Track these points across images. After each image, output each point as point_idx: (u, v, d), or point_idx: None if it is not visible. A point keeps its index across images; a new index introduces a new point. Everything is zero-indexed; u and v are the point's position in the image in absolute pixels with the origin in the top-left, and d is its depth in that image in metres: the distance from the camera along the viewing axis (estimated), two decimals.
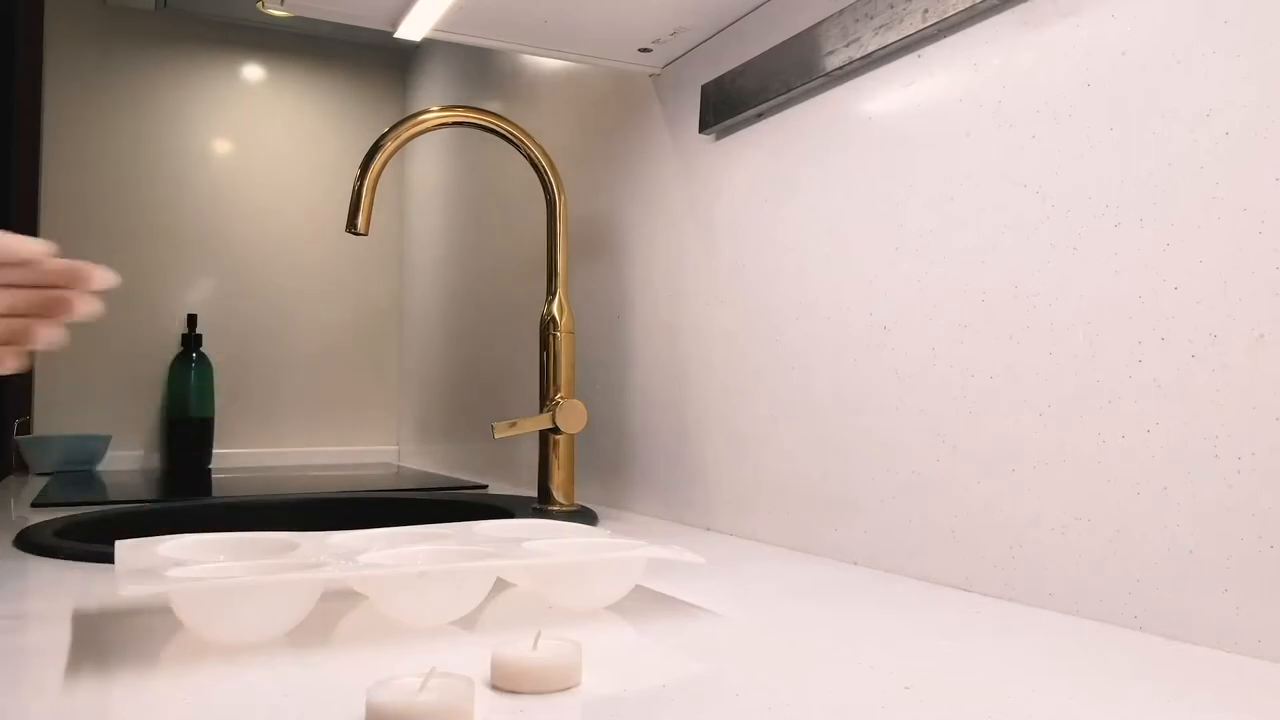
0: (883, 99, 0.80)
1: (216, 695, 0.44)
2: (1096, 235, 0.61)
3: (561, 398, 1.10)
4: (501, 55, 1.67)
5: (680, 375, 1.07)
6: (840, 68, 0.82)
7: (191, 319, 1.98)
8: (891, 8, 0.76)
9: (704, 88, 1.01)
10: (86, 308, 0.56)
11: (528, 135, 1.12)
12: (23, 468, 1.83)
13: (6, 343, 0.56)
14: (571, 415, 1.09)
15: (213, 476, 1.71)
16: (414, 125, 1.07)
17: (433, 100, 2.05)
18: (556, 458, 1.10)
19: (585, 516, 1.06)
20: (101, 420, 1.93)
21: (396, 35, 1.02)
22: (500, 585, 0.70)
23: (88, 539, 0.98)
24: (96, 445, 1.82)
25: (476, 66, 1.81)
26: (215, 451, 2.00)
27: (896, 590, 0.70)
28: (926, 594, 0.69)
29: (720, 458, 0.99)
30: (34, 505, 1.21)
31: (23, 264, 0.55)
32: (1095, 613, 0.60)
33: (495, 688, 0.45)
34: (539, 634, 0.47)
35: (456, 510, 1.25)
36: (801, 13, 0.88)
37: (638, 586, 0.64)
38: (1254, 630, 0.52)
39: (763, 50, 0.92)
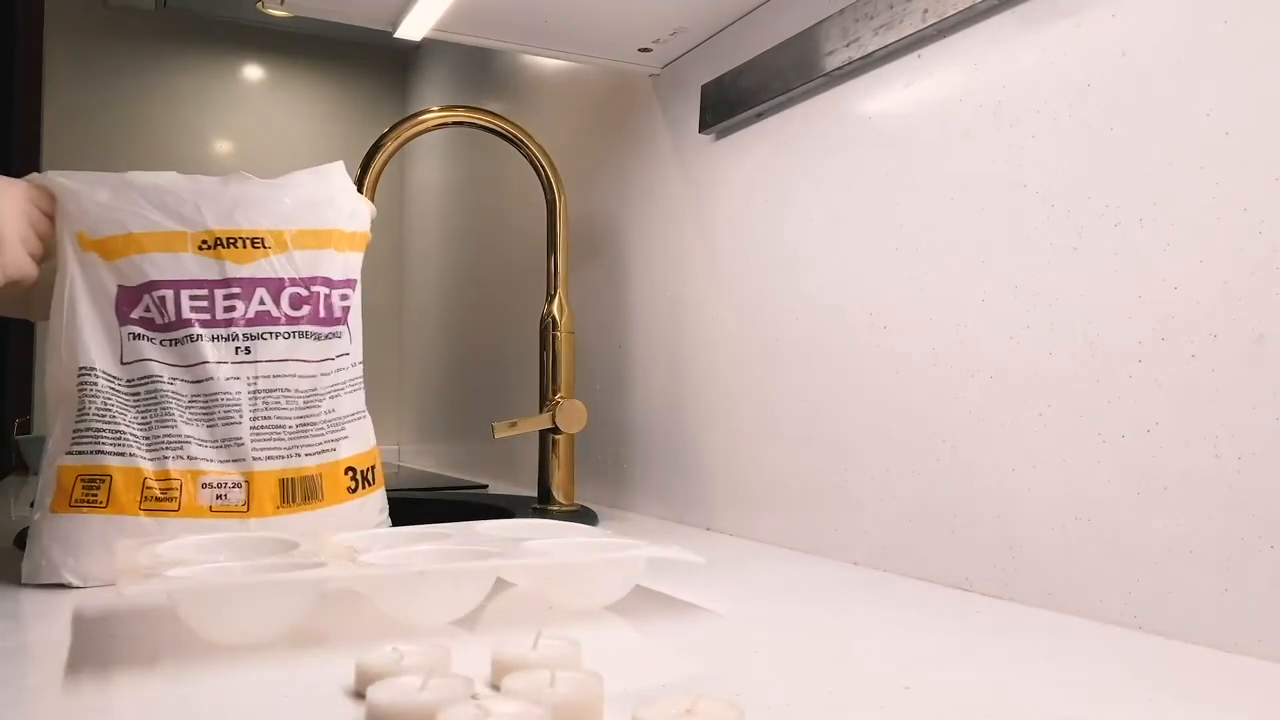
0: (883, 99, 0.80)
1: (216, 695, 0.44)
2: (1096, 235, 0.61)
3: (561, 398, 1.10)
4: (501, 55, 1.67)
5: (680, 375, 1.07)
6: (840, 68, 0.82)
7: None
8: (891, 8, 0.76)
9: (704, 88, 1.01)
10: None
11: (528, 135, 1.12)
12: (23, 468, 1.83)
13: None
14: (571, 415, 1.09)
15: None
16: (414, 125, 1.07)
17: (433, 100, 2.05)
18: (556, 458, 1.10)
19: (585, 516, 1.06)
20: None
21: (396, 35, 1.02)
22: (500, 585, 0.69)
23: None
24: None
25: (476, 66, 1.81)
26: None
27: (896, 590, 0.70)
28: (926, 594, 0.69)
29: (720, 457, 0.99)
30: (34, 505, 1.20)
31: None
32: (1095, 613, 0.60)
33: (495, 687, 0.45)
34: (539, 634, 0.47)
35: (456, 510, 1.25)
36: (801, 13, 0.88)
37: (638, 586, 0.64)
38: (1254, 630, 0.52)
39: (762, 50, 0.92)
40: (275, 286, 0.74)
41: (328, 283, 0.77)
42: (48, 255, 0.73)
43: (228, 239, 0.73)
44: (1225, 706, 0.44)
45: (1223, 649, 0.53)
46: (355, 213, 0.80)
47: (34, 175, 0.73)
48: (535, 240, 1.47)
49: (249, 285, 0.73)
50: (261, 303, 0.73)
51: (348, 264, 0.79)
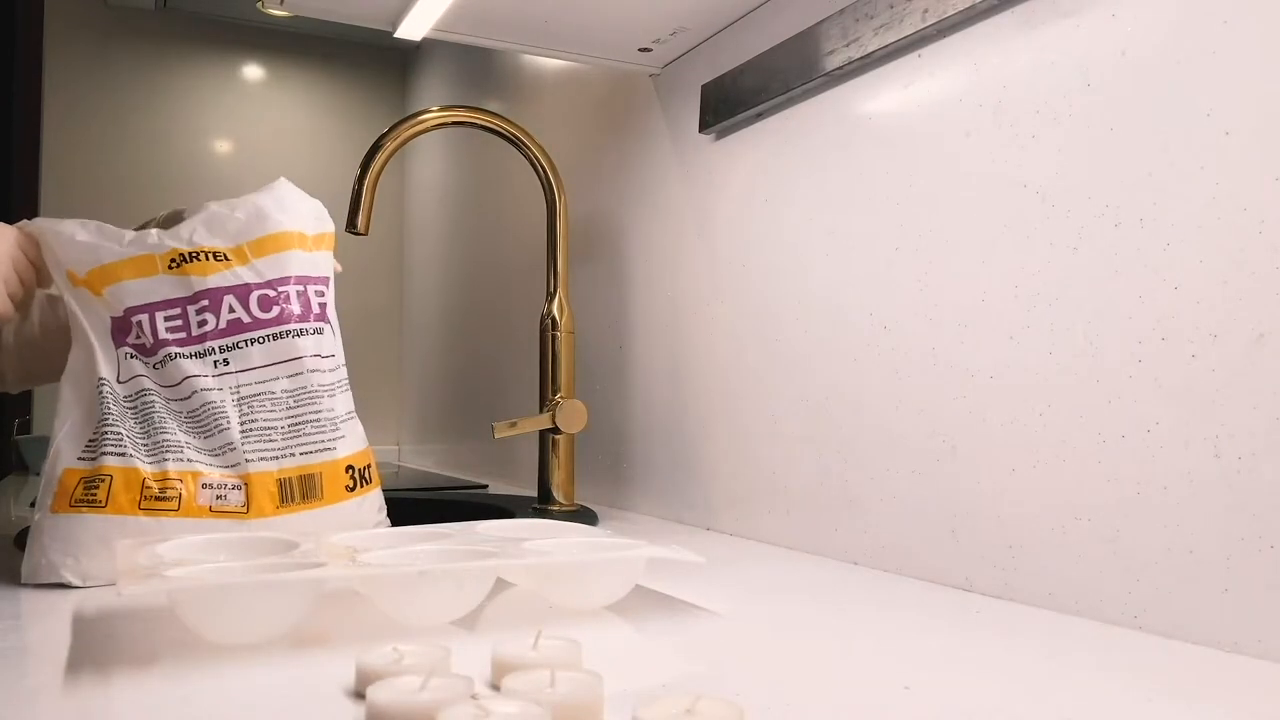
0: (883, 99, 0.80)
1: (216, 695, 0.44)
2: (1096, 235, 0.61)
3: (561, 398, 1.10)
4: (501, 55, 1.67)
5: (680, 375, 1.07)
6: (840, 68, 0.82)
7: None
8: (891, 8, 0.76)
9: (704, 88, 1.01)
10: None
11: (528, 135, 1.12)
12: (23, 468, 1.83)
13: None
14: (571, 415, 1.09)
15: None
16: (414, 125, 1.07)
17: (433, 100, 2.05)
18: (556, 458, 1.10)
19: (585, 516, 1.06)
20: None
21: (396, 35, 1.02)
22: (500, 585, 0.70)
23: None
24: None
25: (476, 66, 1.81)
26: None
27: (896, 590, 0.70)
28: (926, 594, 0.69)
29: (720, 458, 0.99)
30: (34, 505, 1.20)
31: None
32: (1095, 613, 0.60)
33: (495, 687, 0.45)
34: (539, 634, 0.47)
35: (456, 510, 1.25)
36: (801, 13, 0.88)
37: (638, 586, 0.64)
38: (1254, 630, 0.52)
39: (762, 50, 0.92)
40: (242, 292, 0.76)
41: (300, 280, 0.78)
42: (28, 298, 0.78)
43: (191, 254, 0.76)
44: (1225, 706, 0.44)
45: (1223, 649, 0.53)
46: (318, 215, 0.82)
47: (22, 222, 0.77)
48: (535, 240, 1.47)
49: (217, 295, 0.75)
50: (231, 310, 0.75)
51: (317, 262, 0.80)
